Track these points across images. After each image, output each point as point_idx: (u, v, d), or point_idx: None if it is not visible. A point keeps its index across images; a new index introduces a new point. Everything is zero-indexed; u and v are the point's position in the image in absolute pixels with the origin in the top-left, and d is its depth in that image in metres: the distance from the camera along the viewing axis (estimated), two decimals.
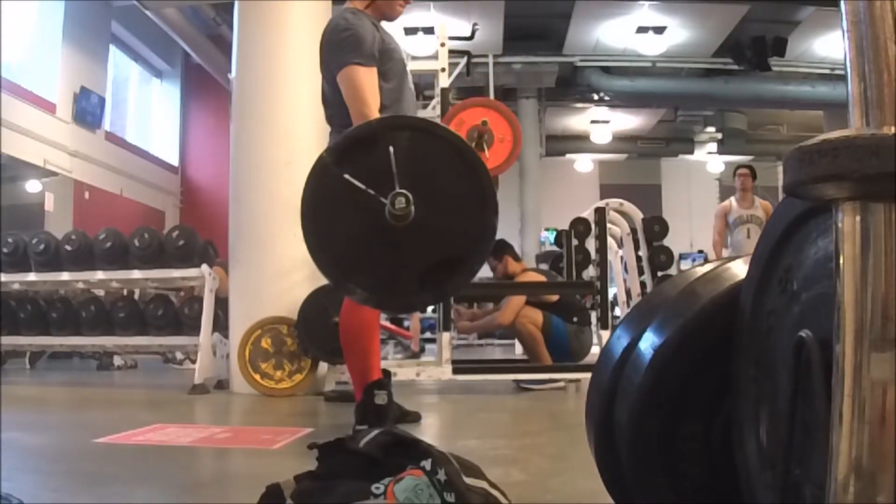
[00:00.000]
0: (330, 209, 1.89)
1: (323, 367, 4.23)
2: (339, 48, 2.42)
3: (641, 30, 10.98)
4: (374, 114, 2.36)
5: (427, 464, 1.13)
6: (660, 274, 7.25)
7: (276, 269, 4.27)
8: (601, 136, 15.72)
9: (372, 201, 1.83)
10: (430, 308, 6.78)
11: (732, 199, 6.22)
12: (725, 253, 6.14)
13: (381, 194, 1.83)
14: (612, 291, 7.31)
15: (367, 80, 2.39)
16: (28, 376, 5.86)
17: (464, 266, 1.90)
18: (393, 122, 2.04)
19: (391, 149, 1.83)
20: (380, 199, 1.83)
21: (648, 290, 6.92)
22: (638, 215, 7.48)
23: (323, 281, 3.25)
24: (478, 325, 5.14)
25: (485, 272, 5.74)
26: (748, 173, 6.17)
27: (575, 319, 4.72)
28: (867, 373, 0.63)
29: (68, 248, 4.83)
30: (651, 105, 14.22)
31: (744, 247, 5.83)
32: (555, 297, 4.72)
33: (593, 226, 6.64)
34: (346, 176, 1.83)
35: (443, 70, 4.39)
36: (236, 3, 4.72)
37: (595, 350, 5.00)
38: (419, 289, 1.91)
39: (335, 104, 2.50)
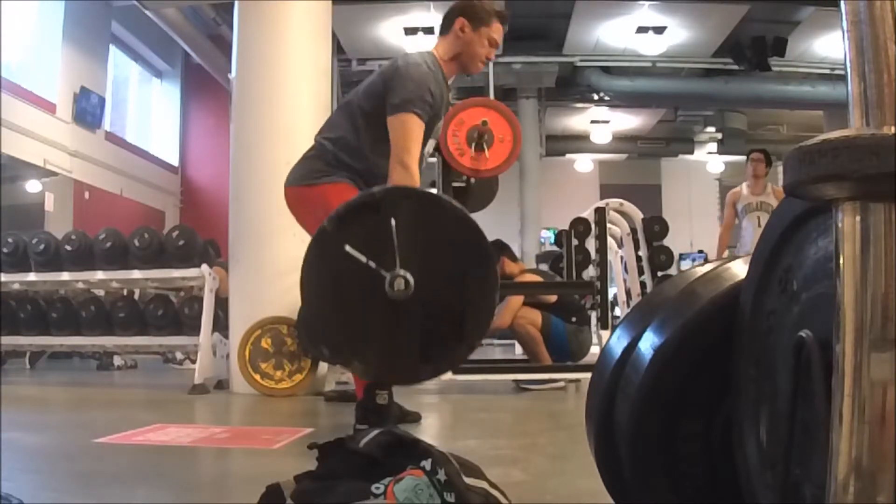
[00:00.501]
0: (330, 278, 1.89)
1: (323, 367, 4.23)
2: (407, 90, 2.42)
3: (641, 30, 10.97)
4: (415, 165, 2.41)
5: (427, 464, 1.13)
6: (660, 274, 7.26)
7: (276, 269, 4.26)
8: (601, 136, 15.71)
9: (373, 273, 1.82)
10: None
11: (744, 185, 5.82)
12: (738, 245, 5.82)
13: (383, 266, 1.83)
14: (612, 291, 7.32)
15: (417, 132, 2.44)
16: (28, 376, 5.86)
17: (464, 342, 1.89)
18: (397, 192, 2.02)
19: (393, 221, 1.83)
20: (381, 272, 1.82)
21: (648, 290, 6.92)
22: (638, 215, 7.48)
23: None
24: None
25: None
26: (761, 158, 5.77)
27: (573, 319, 4.72)
28: (867, 373, 0.63)
29: (68, 248, 4.83)
30: (651, 105, 14.22)
31: (753, 236, 5.48)
32: (553, 298, 4.72)
33: (593, 226, 6.66)
34: (347, 247, 1.83)
35: None
36: (236, 3, 4.72)
37: (595, 350, 5.00)
38: (419, 363, 1.90)
39: (355, 125, 2.51)
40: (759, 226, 5.38)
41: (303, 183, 2.55)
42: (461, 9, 2.66)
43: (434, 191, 3.32)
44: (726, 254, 5.90)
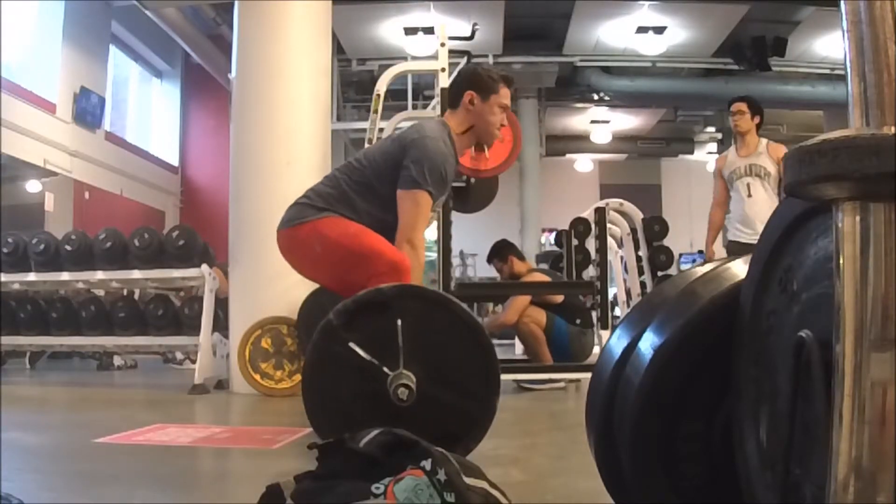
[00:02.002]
0: (333, 373, 1.89)
1: None
2: (421, 166, 2.39)
3: (641, 30, 10.97)
4: (421, 241, 2.43)
5: (427, 464, 1.13)
6: (660, 274, 7.25)
7: (276, 269, 4.23)
8: (601, 136, 15.71)
9: (376, 370, 1.83)
10: None
11: (731, 148, 4.71)
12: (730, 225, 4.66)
13: (386, 364, 1.83)
14: (612, 291, 7.31)
15: (428, 211, 2.46)
16: (28, 376, 5.85)
17: (461, 444, 1.89)
18: (406, 292, 2.01)
19: (399, 322, 1.84)
20: (383, 369, 1.83)
21: (648, 290, 6.91)
22: (638, 215, 7.48)
23: None
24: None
25: (490, 273, 5.74)
26: (741, 108, 4.51)
27: (578, 321, 4.72)
28: (867, 373, 0.63)
29: (68, 248, 4.83)
30: (651, 105, 14.21)
31: (742, 211, 4.46)
32: (559, 298, 4.72)
33: (593, 226, 6.64)
34: (352, 344, 1.83)
35: (443, 70, 4.38)
36: (236, 3, 4.72)
37: (596, 351, 5.00)
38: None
39: (365, 185, 2.48)
40: (749, 195, 4.41)
41: (291, 224, 2.49)
42: (467, 81, 2.63)
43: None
44: (719, 251, 4.89)
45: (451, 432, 1.89)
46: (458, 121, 2.61)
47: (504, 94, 2.63)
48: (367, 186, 2.48)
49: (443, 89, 4.43)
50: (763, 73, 11.21)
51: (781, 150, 4.39)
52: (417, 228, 2.41)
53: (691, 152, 16.48)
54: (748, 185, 4.42)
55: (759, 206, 4.36)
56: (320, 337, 1.90)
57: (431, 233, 3.86)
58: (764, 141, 4.52)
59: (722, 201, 4.60)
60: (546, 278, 5.17)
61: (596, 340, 5.15)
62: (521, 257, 5.16)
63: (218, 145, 10.70)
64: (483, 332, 1.95)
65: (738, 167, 4.50)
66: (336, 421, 1.90)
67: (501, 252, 5.01)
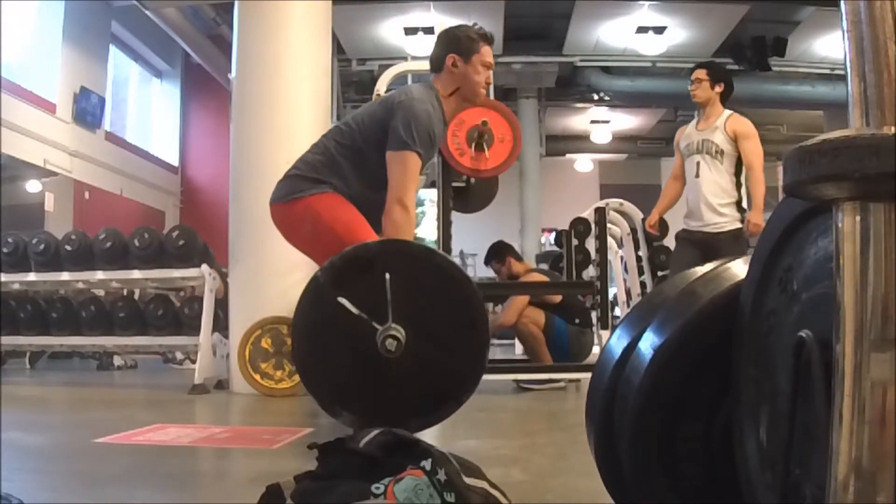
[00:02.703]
0: (322, 330, 1.89)
1: None
2: (409, 127, 2.41)
3: (641, 30, 10.97)
4: (412, 202, 2.42)
5: (427, 464, 1.13)
6: (660, 274, 7.25)
7: (276, 269, 4.26)
8: (601, 136, 15.72)
9: (365, 326, 1.83)
10: None
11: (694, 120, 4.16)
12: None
13: (375, 319, 1.83)
14: (612, 291, 7.31)
15: (416, 172, 2.46)
16: (28, 376, 5.85)
17: (451, 400, 1.90)
18: (393, 248, 2.02)
19: (388, 276, 1.83)
20: (373, 324, 1.82)
21: (648, 290, 6.91)
22: (638, 215, 7.48)
23: None
24: None
25: (491, 273, 5.75)
26: (700, 76, 4.03)
27: (577, 321, 4.72)
28: (867, 373, 0.63)
29: (68, 248, 4.83)
30: (651, 105, 14.21)
31: (690, 191, 3.94)
32: (558, 298, 4.72)
33: (593, 226, 6.65)
34: (340, 299, 1.83)
35: None
36: (236, 3, 4.72)
37: (595, 350, 5.00)
38: (406, 417, 1.91)
39: (352, 148, 2.50)
40: (697, 176, 3.88)
41: (287, 199, 2.51)
42: (447, 44, 2.66)
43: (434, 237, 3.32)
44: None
45: (441, 387, 1.90)
46: (444, 84, 2.64)
47: (486, 52, 2.66)
48: (354, 151, 2.50)
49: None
50: (763, 73, 11.21)
51: (741, 124, 3.88)
52: (407, 189, 2.42)
53: None
54: (697, 164, 3.90)
55: (704, 187, 3.81)
56: (308, 294, 1.90)
57: (431, 233, 3.86)
58: (726, 113, 3.95)
59: (678, 174, 4.09)
60: (544, 278, 5.17)
61: (596, 340, 5.16)
62: (519, 258, 5.16)
63: (218, 145, 10.70)
64: (470, 283, 1.92)
65: (692, 142, 3.99)
66: (327, 379, 1.91)
67: (499, 253, 5.01)
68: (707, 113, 4.00)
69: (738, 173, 3.84)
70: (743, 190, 3.91)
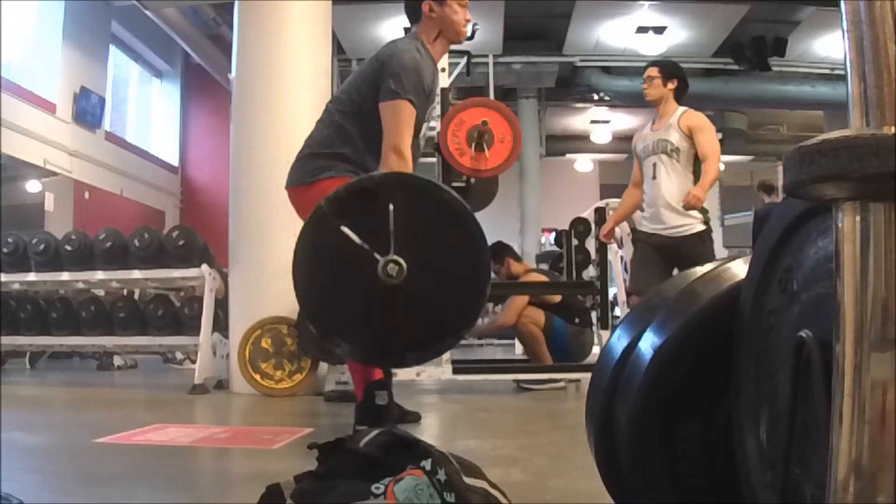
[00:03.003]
0: (324, 259, 1.89)
1: (323, 367, 4.23)
2: (398, 77, 2.44)
3: (641, 30, 10.97)
4: (407, 149, 2.43)
5: (427, 464, 1.13)
6: None
7: (276, 269, 4.25)
8: (601, 136, 15.72)
9: (366, 256, 1.82)
10: None
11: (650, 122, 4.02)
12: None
13: (377, 250, 1.82)
14: (612, 291, 7.30)
15: (410, 119, 2.47)
16: (28, 376, 5.86)
17: (450, 333, 1.90)
18: (397, 179, 2.02)
19: (391, 207, 1.83)
20: (374, 255, 1.82)
21: None
22: (638, 215, 7.47)
23: None
24: (480, 327, 5.14)
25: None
26: (651, 74, 3.93)
27: (577, 321, 4.72)
28: (867, 373, 0.63)
29: (68, 248, 4.83)
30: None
31: (649, 192, 3.75)
32: (557, 298, 4.72)
33: (593, 226, 6.65)
34: (343, 228, 1.83)
35: (443, 70, 4.38)
36: (236, 3, 4.72)
37: (595, 350, 5.00)
38: (404, 350, 1.91)
39: (354, 112, 2.53)
40: (654, 177, 3.71)
41: (303, 182, 2.56)
42: None
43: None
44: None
45: (440, 320, 1.89)
46: (426, 30, 2.65)
47: None
48: (356, 114, 2.53)
49: (443, 89, 4.44)
50: (763, 73, 11.21)
51: (695, 118, 3.77)
52: (401, 136, 2.43)
53: None
54: (654, 165, 3.74)
55: (663, 188, 3.65)
56: (311, 223, 1.90)
57: None
58: (680, 110, 3.82)
59: (637, 181, 3.92)
60: (544, 278, 5.17)
61: (596, 340, 5.15)
62: (518, 258, 5.16)
63: (218, 145, 10.70)
64: (473, 219, 1.92)
65: (648, 143, 3.84)
66: (327, 309, 1.91)
67: (498, 254, 5.01)
68: (661, 112, 3.89)
69: (696, 171, 3.66)
70: None
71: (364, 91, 2.53)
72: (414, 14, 2.69)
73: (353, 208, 1.88)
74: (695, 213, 3.60)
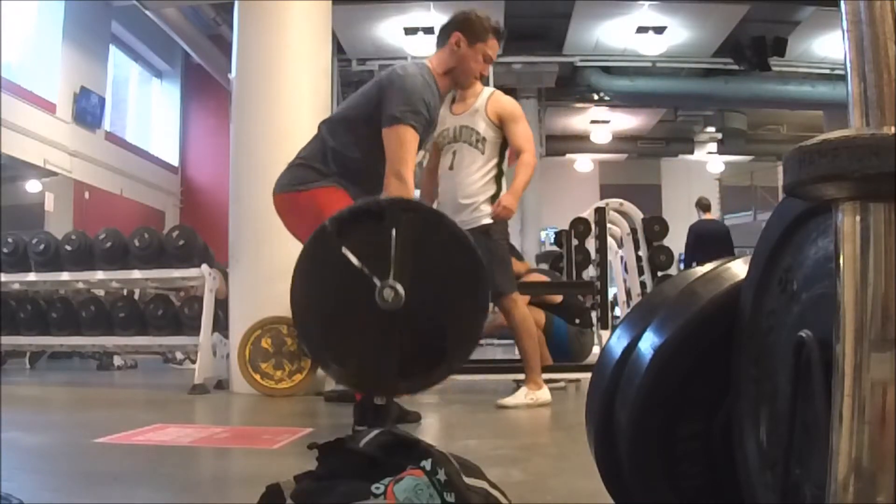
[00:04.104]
0: (322, 278, 1.89)
1: None
2: (403, 102, 2.44)
3: (641, 30, 10.99)
4: (410, 175, 2.43)
5: (427, 464, 1.13)
6: (660, 274, 7.26)
7: (276, 269, 4.25)
8: (601, 136, 15.74)
9: (365, 280, 1.82)
10: None
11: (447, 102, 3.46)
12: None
13: (377, 274, 1.82)
14: (612, 291, 7.31)
15: (413, 144, 2.47)
16: (28, 376, 5.86)
17: (444, 363, 1.89)
18: (402, 204, 2.01)
19: (394, 232, 1.83)
20: (373, 279, 1.82)
21: (648, 290, 6.91)
22: (638, 215, 7.49)
23: None
24: None
25: None
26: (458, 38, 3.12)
27: (577, 321, 4.72)
28: (867, 373, 0.63)
29: (68, 248, 4.83)
30: (651, 105, 14.23)
31: (445, 181, 3.40)
32: (558, 299, 4.72)
33: (593, 226, 6.66)
34: (344, 249, 1.83)
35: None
36: (236, 3, 4.72)
37: (595, 350, 5.00)
38: (396, 378, 1.90)
39: (348, 135, 2.54)
40: (452, 167, 3.35)
41: (292, 189, 2.55)
42: (458, 23, 2.69)
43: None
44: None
45: (436, 350, 1.89)
46: (441, 61, 2.65)
47: (491, 45, 2.69)
48: (354, 133, 2.54)
49: None
50: (763, 73, 11.22)
51: (505, 104, 3.35)
52: (404, 162, 2.43)
53: (691, 152, 16.50)
54: (454, 154, 3.34)
55: (460, 180, 3.31)
56: (313, 242, 1.90)
57: None
58: (486, 92, 3.36)
59: (432, 167, 3.52)
60: (545, 278, 5.17)
61: (596, 340, 5.16)
62: (520, 257, 5.16)
63: (218, 145, 10.70)
64: (475, 251, 1.92)
65: (448, 128, 3.37)
66: (321, 330, 1.91)
67: None
68: (464, 93, 3.34)
69: (500, 163, 3.34)
70: (504, 181, 3.36)
71: (364, 111, 2.54)
72: (441, 39, 2.69)
73: (356, 230, 1.88)
74: (488, 207, 3.26)
